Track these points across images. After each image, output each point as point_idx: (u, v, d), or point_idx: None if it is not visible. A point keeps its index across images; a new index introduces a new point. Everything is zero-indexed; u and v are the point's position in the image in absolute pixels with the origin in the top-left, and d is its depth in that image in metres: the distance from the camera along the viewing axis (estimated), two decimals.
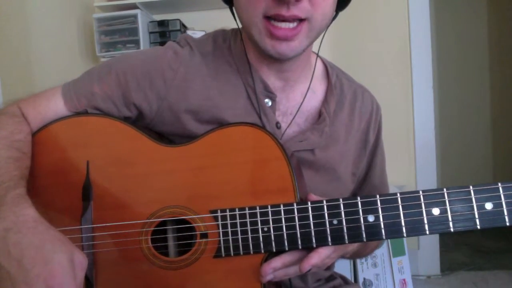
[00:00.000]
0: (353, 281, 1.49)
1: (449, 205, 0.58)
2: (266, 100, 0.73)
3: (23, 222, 0.53)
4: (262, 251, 0.62)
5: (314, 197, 0.64)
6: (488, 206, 0.57)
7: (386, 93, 1.85)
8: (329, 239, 0.60)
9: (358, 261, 1.78)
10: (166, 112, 0.72)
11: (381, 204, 0.59)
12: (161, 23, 2.11)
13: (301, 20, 0.63)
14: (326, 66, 0.82)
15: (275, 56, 0.65)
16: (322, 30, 0.67)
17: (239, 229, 0.62)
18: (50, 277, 0.50)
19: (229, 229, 0.63)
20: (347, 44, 2.15)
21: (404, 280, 1.84)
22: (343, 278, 0.86)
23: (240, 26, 0.72)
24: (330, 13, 0.66)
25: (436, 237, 2.21)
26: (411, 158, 2.20)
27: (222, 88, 0.73)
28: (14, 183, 0.58)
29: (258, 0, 0.62)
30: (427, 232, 0.58)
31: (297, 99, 0.76)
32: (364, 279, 1.80)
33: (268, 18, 0.63)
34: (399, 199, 0.59)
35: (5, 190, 0.56)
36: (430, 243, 2.20)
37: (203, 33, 0.83)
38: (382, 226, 0.59)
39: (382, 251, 1.83)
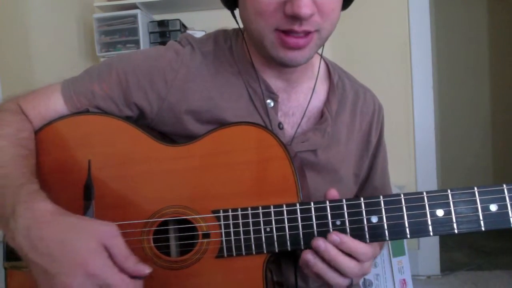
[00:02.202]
0: None
1: (453, 207, 0.58)
2: (268, 100, 0.73)
3: (41, 217, 0.53)
4: (265, 252, 0.61)
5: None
6: (493, 207, 0.57)
7: (386, 93, 1.84)
8: None
9: None
10: (167, 112, 0.71)
11: (384, 205, 0.59)
12: (161, 23, 2.10)
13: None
14: (328, 65, 0.82)
15: (288, 63, 0.66)
16: (329, 36, 0.68)
17: (241, 229, 0.62)
18: (86, 265, 0.50)
19: (231, 229, 0.62)
20: (347, 44, 2.14)
21: (404, 280, 1.84)
22: None
23: (241, 26, 0.72)
24: (337, 20, 0.67)
25: (436, 237, 2.21)
26: (411, 158, 2.20)
27: (223, 88, 0.72)
28: (26, 180, 0.58)
29: (271, 16, 0.62)
30: (431, 234, 0.58)
31: (299, 99, 0.76)
32: (364, 279, 1.80)
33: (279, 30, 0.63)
34: (402, 200, 0.59)
35: (19, 188, 0.56)
36: (430, 243, 2.20)
37: (203, 33, 0.82)
38: (386, 227, 0.59)
39: (382, 251, 1.83)
